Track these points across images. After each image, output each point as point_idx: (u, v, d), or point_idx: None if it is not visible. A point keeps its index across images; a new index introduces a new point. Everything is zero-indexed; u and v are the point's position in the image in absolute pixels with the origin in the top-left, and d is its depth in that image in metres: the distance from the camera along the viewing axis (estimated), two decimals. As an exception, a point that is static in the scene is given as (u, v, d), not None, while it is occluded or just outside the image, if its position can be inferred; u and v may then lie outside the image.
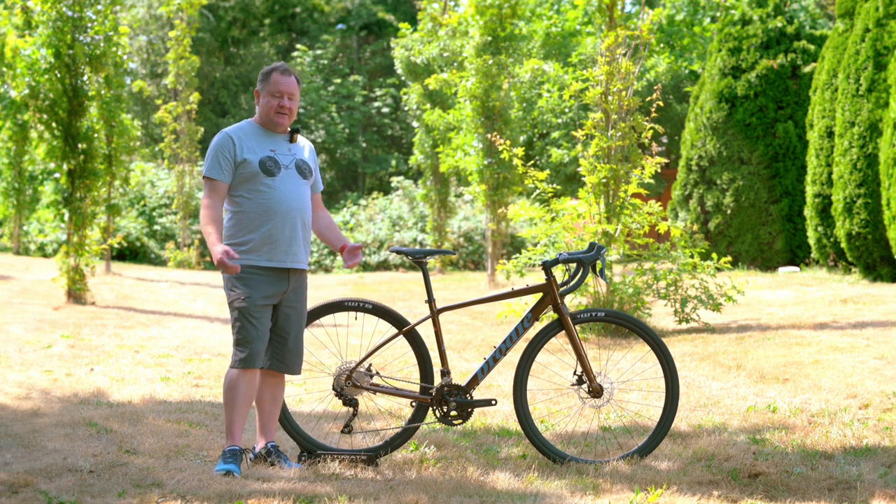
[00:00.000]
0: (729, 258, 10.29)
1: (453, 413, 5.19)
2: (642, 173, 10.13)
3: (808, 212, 15.69)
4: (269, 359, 5.04)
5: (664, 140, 24.19)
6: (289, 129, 5.12)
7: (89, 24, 13.36)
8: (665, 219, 10.43)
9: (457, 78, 17.49)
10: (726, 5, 22.68)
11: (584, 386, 5.24)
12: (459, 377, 6.85)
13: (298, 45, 37.71)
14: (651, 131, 10.16)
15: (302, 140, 5.20)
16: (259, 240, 4.93)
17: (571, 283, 5.27)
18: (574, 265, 5.30)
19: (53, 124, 13.24)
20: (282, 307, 5.03)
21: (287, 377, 5.40)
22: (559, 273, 8.92)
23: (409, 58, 21.32)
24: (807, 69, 17.67)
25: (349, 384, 5.18)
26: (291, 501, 4.31)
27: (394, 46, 22.08)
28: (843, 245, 14.42)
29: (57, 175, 13.64)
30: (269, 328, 4.99)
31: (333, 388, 5.21)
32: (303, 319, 5.12)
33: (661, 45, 27.97)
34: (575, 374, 5.27)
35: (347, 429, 5.18)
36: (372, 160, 37.63)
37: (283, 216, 4.96)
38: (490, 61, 16.46)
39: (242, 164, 4.96)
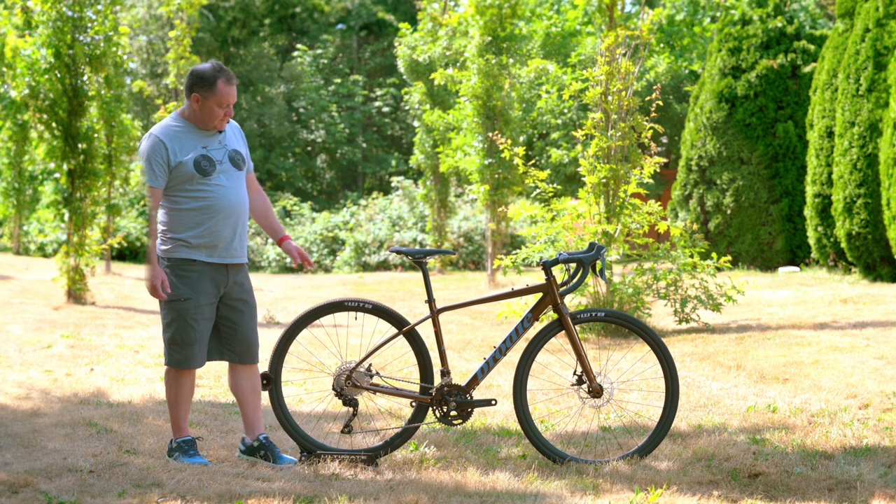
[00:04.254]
0: (729, 258, 10.28)
1: (453, 413, 5.19)
2: (641, 173, 10.13)
3: (808, 212, 15.69)
4: (221, 351, 5.11)
5: (664, 140, 24.19)
6: None
7: (89, 24, 13.36)
8: (665, 218, 10.43)
9: (461, 75, 17.47)
10: (726, 5, 22.66)
11: (584, 386, 5.24)
12: (459, 377, 6.84)
13: (298, 45, 37.71)
14: (651, 131, 10.16)
15: (229, 127, 5.17)
16: (198, 237, 4.96)
17: (571, 283, 5.27)
18: (574, 265, 5.30)
19: (53, 124, 13.24)
20: (228, 301, 5.07)
21: (287, 377, 5.40)
22: (559, 273, 8.92)
23: (411, 56, 21.30)
24: (807, 69, 17.66)
25: (349, 384, 5.18)
26: (291, 501, 4.31)
27: (396, 45, 22.06)
28: (843, 245, 14.42)
29: (57, 175, 13.64)
30: (212, 325, 5.03)
31: (333, 388, 5.21)
32: (254, 311, 5.17)
33: (661, 45, 27.97)
34: (575, 374, 5.27)
35: (347, 429, 5.18)
36: (372, 160, 37.62)
37: (224, 214, 4.99)
38: (493, 61, 16.45)
39: (177, 167, 4.95)
